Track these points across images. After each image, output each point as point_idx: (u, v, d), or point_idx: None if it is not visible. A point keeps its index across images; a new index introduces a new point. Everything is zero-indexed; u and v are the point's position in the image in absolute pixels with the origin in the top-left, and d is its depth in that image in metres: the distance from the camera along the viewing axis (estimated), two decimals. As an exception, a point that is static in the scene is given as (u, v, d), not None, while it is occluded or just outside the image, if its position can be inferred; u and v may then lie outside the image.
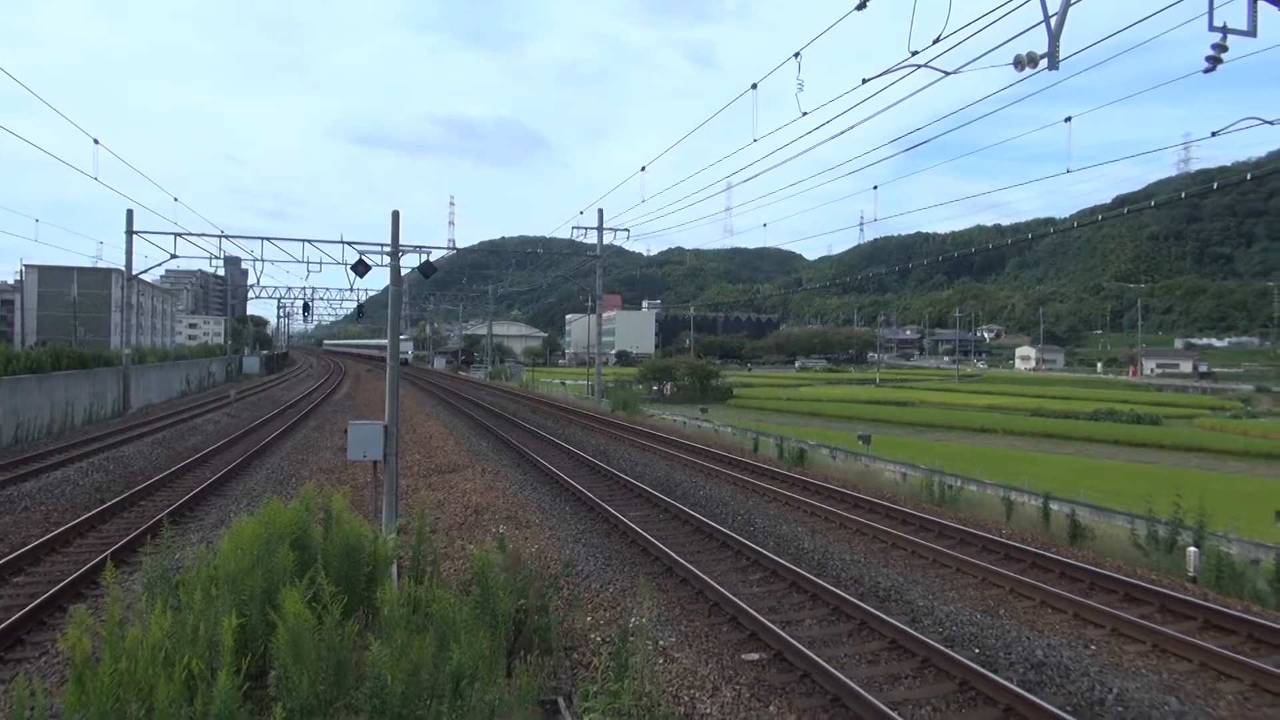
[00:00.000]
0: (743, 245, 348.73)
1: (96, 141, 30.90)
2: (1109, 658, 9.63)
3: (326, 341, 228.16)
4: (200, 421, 34.85)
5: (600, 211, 47.95)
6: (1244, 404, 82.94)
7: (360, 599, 8.05)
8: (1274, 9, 9.49)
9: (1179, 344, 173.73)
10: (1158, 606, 11.39)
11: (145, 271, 53.76)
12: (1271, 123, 12.90)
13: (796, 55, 15.06)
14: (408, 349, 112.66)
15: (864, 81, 13.68)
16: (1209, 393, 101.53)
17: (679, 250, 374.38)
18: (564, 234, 51.13)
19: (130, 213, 38.63)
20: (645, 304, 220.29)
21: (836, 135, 18.46)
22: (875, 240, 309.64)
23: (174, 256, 38.68)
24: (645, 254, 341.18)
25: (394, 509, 13.08)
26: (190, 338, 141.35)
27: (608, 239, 48.40)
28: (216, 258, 40.89)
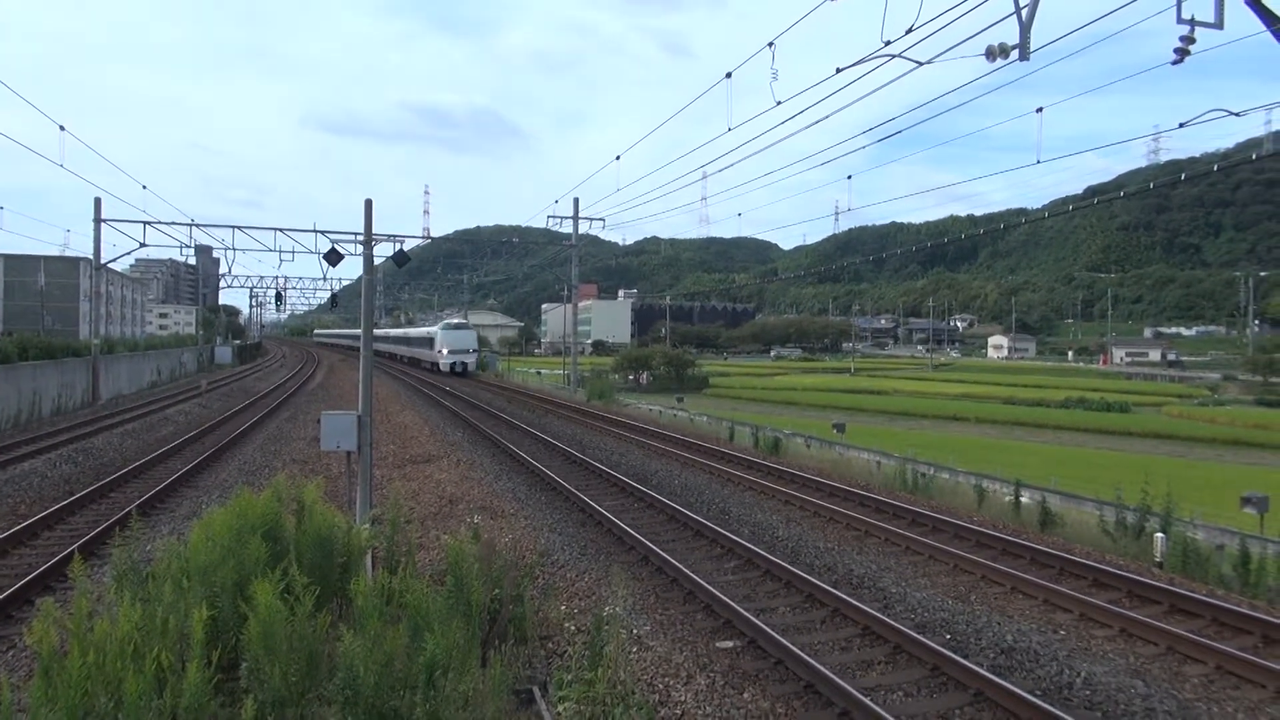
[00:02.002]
0: (719, 235, 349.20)
1: (62, 128, 30.43)
2: (1078, 642, 9.78)
3: (318, 331, 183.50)
4: (171, 412, 34.48)
5: (576, 201, 47.86)
6: (1211, 392, 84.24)
7: (334, 590, 8.02)
8: (1239, 1, 9.59)
9: (1148, 333, 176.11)
10: (1125, 592, 11.56)
11: (114, 260, 53.41)
12: (1238, 114, 13.05)
13: (770, 45, 15.08)
14: (468, 343, 64.03)
15: (838, 71, 13.74)
16: (1177, 381, 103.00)
17: (655, 240, 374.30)
18: (539, 223, 51.02)
19: (98, 201, 38.14)
20: (621, 293, 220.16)
21: (811, 125, 18.52)
22: (850, 230, 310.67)
23: (143, 245, 38.24)
24: (621, 243, 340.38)
25: (368, 500, 13.03)
26: (161, 327, 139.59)
27: (583, 228, 48.35)
28: (187, 246, 40.20)
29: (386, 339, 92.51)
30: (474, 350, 64.50)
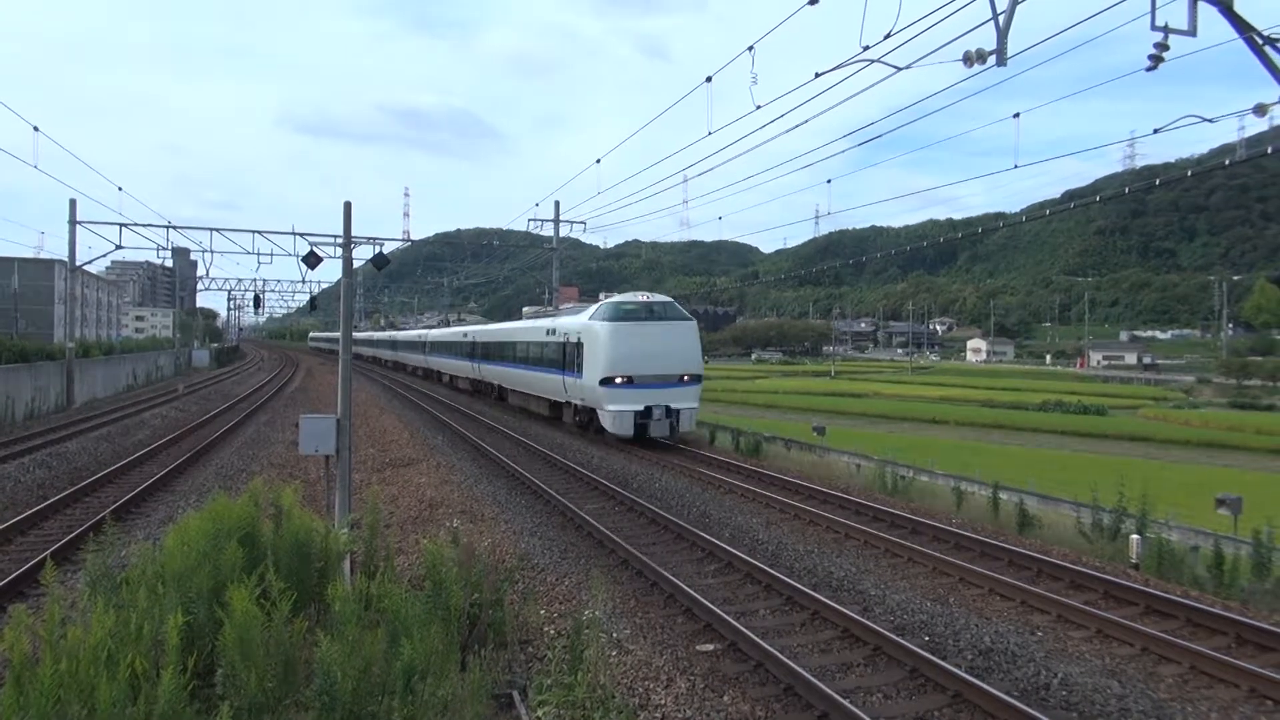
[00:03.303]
0: (700, 238, 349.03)
1: (36, 129, 30.09)
2: (1054, 643, 9.85)
3: (314, 335, 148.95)
4: (147, 416, 34.14)
5: (557, 204, 47.67)
6: (1186, 394, 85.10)
7: (311, 595, 7.96)
8: (1213, 9, 9.73)
9: (1124, 336, 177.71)
10: (1101, 593, 11.65)
11: (89, 262, 52.82)
12: (1211, 120, 13.23)
13: (750, 49, 15.13)
14: (681, 359, 26.49)
15: (817, 75, 13.79)
16: (1153, 384, 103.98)
17: (636, 243, 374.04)
18: (520, 226, 50.77)
19: (73, 202, 37.71)
20: (602, 296, 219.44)
21: (791, 129, 18.59)
22: (830, 234, 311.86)
23: (119, 247, 37.76)
24: (602, 246, 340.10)
25: (347, 504, 12.94)
26: (137, 330, 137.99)
27: (564, 231, 48.18)
28: (164, 249, 39.86)
29: (439, 346, 55.42)
30: (695, 378, 27.29)
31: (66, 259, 39.68)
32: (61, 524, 15.61)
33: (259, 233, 36.24)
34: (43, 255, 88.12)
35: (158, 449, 24.47)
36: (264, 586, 6.47)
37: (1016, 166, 19.72)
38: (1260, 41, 10.39)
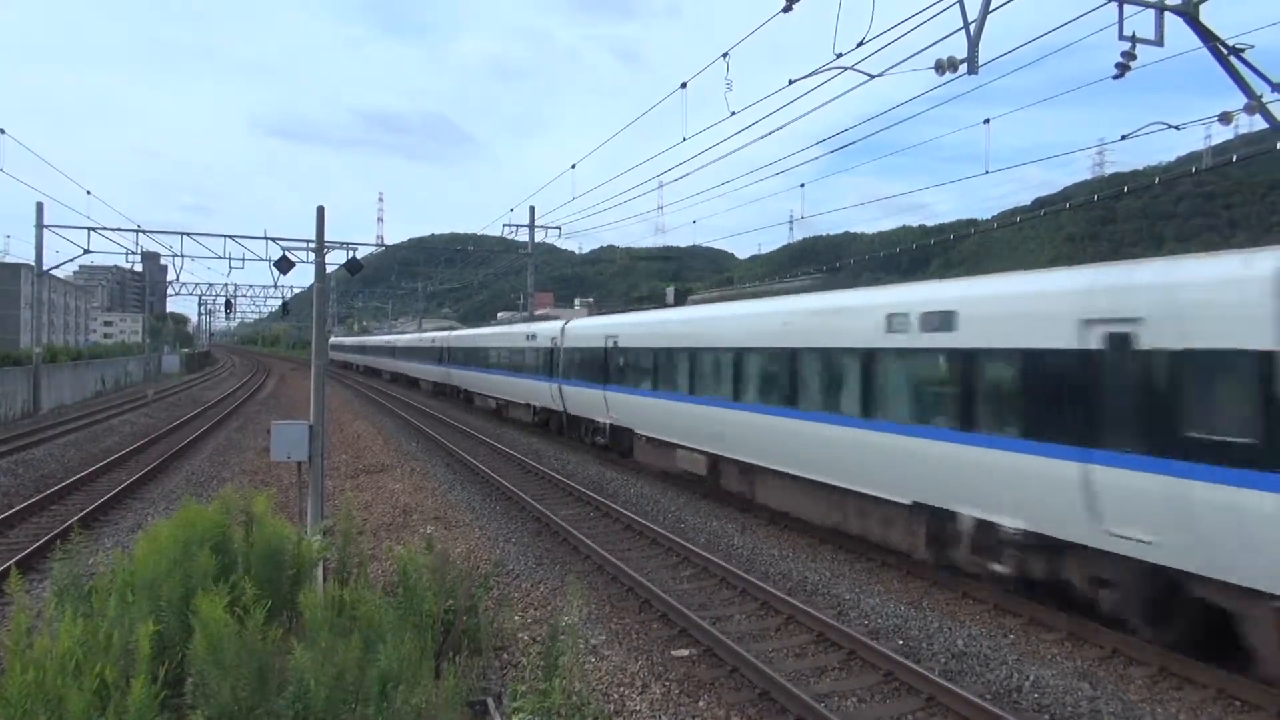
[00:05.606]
0: (674, 243, 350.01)
1: (2, 131, 29.72)
2: (1026, 646, 9.93)
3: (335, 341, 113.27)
4: (116, 422, 33.69)
5: (532, 209, 47.59)
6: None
7: (284, 603, 7.88)
8: (1179, 20, 9.91)
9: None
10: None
11: (57, 267, 51.92)
12: (1178, 128, 13.47)
13: (725, 56, 15.23)
14: None
15: (791, 83, 13.90)
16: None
17: (611, 248, 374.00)
18: (495, 231, 50.41)
19: (40, 206, 37.23)
20: (578, 302, 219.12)
21: (765, 135, 18.66)
22: (805, 239, 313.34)
23: (88, 252, 37.35)
24: (577, 252, 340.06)
25: (319, 510, 12.83)
26: (106, 336, 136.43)
27: (539, 236, 48.12)
28: (133, 253, 39.48)
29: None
30: None
31: (34, 263, 39.13)
32: (28, 532, 15.37)
33: (231, 237, 36.03)
34: (8, 259, 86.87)
35: (127, 455, 24.15)
36: (236, 594, 6.40)
37: (988, 173, 19.97)
38: (1225, 51, 10.59)
